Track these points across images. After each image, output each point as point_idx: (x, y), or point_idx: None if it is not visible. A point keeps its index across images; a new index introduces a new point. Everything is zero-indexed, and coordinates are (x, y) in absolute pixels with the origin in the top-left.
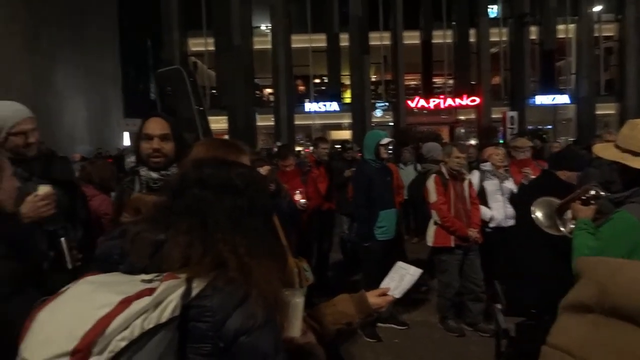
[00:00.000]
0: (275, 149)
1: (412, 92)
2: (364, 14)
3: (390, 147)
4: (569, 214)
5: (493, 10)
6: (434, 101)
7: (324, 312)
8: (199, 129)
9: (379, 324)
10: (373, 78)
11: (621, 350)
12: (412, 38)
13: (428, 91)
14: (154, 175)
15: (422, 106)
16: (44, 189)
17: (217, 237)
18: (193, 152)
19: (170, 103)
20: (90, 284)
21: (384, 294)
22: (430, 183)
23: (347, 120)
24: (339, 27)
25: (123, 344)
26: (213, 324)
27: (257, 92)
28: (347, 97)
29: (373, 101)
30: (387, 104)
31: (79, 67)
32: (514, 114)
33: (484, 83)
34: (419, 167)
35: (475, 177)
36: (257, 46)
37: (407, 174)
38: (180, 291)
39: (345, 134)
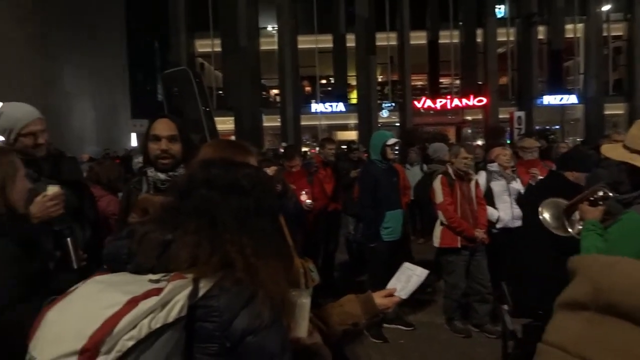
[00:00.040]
0: (281, 150)
1: (419, 93)
2: (370, 15)
3: (397, 148)
4: (576, 215)
5: (500, 10)
6: (440, 101)
7: (330, 312)
8: (205, 129)
9: (385, 325)
10: (379, 78)
11: (616, 347)
12: (418, 38)
13: (435, 91)
14: (162, 176)
15: (429, 106)
16: (52, 189)
17: (224, 237)
18: (201, 153)
19: (177, 104)
20: (99, 283)
21: (390, 295)
22: (437, 184)
23: (353, 120)
24: (346, 27)
25: (130, 343)
26: (220, 324)
27: (264, 92)
28: (354, 97)
29: (379, 102)
30: (393, 104)
31: (88, 69)
32: (522, 114)
33: (491, 83)
34: (425, 167)
35: (482, 177)
36: (263, 47)
37: (413, 174)
38: (187, 291)
39: (352, 135)
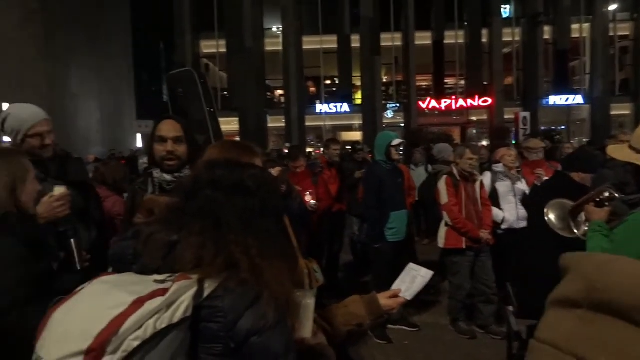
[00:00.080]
0: (285, 150)
1: (424, 93)
2: (375, 15)
3: (401, 149)
4: (582, 216)
5: (506, 10)
6: (445, 102)
7: (335, 313)
8: (210, 130)
9: (390, 326)
10: (384, 79)
11: (608, 345)
12: (423, 39)
13: (439, 92)
14: (168, 177)
15: (434, 107)
16: (59, 190)
17: (229, 238)
18: (206, 154)
19: (182, 105)
20: (104, 284)
21: (395, 296)
22: (442, 184)
23: (357, 121)
24: (350, 28)
25: (136, 343)
26: (224, 325)
27: (268, 93)
28: (358, 98)
29: (384, 102)
30: (398, 105)
31: (93, 70)
32: (527, 114)
33: (496, 83)
34: (430, 168)
35: (487, 178)
36: (268, 48)
37: (418, 175)
38: (192, 292)
39: (356, 135)
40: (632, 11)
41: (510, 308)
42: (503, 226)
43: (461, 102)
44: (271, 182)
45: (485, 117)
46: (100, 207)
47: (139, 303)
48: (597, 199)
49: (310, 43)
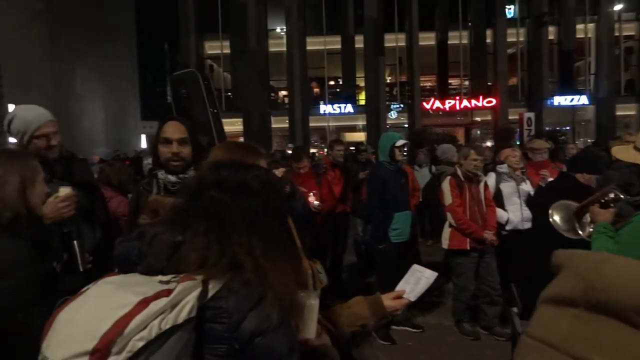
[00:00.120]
0: (289, 151)
1: (428, 94)
2: (379, 16)
3: (405, 149)
4: (587, 218)
5: (510, 11)
6: (449, 102)
7: (339, 314)
8: (213, 131)
9: (393, 327)
10: (388, 80)
11: (605, 345)
12: (427, 39)
13: (443, 92)
14: (172, 178)
15: (438, 108)
16: (64, 191)
17: (233, 239)
18: (211, 155)
19: (185, 106)
20: (110, 284)
21: (399, 297)
22: (445, 185)
23: (361, 122)
24: (354, 28)
25: (141, 344)
26: (229, 325)
27: (272, 94)
28: (362, 98)
29: (388, 103)
30: (401, 105)
31: (98, 71)
32: (531, 115)
33: (500, 84)
34: (433, 169)
35: (491, 179)
36: (272, 49)
37: (422, 176)
38: (196, 292)
39: (360, 136)
40: (637, 11)
41: (515, 309)
42: (507, 227)
43: (465, 102)
44: (275, 183)
45: (489, 117)
46: (106, 207)
47: (143, 304)
48: (602, 200)
49: (314, 44)
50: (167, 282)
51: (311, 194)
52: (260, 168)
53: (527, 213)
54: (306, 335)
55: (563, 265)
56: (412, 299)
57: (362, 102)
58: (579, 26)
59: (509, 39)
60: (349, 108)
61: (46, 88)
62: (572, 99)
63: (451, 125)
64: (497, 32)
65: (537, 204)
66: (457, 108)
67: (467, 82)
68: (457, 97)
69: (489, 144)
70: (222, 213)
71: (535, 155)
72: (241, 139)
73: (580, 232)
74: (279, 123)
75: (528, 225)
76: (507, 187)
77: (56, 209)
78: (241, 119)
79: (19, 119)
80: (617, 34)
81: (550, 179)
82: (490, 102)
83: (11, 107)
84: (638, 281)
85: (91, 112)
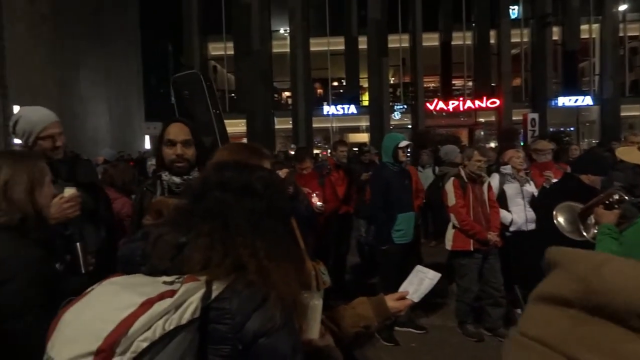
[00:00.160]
0: (291, 152)
1: (431, 95)
2: (382, 17)
3: (409, 150)
4: (592, 219)
5: (514, 11)
6: (453, 103)
7: (342, 314)
8: (216, 132)
9: (397, 328)
10: (391, 80)
11: (600, 345)
12: (431, 40)
13: (447, 93)
14: (177, 179)
15: (441, 108)
16: (69, 191)
17: (237, 240)
18: (216, 156)
19: (188, 107)
20: (114, 285)
21: (403, 298)
22: (449, 186)
23: (365, 123)
24: (358, 30)
25: (145, 344)
26: (232, 326)
27: (276, 95)
28: (365, 99)
29: (391, 104)
30: (405, 106)
31: (102, 73)
32: (535, 116)
33: (504, 85)
34: (437, 170)
35: (495, 180)
36: (276, 50)
37: (425, 176)
38: (200, 293)
39: (364, 137)
40: None
41: (519, 311)
42: (511, 228)
43: (469, 103)
44: (279, 184)
45: (493, 118)
46: (110, 208)
47: (148, 304)
48: (607, 202)
49: (317, 45)
50: (171, 283)
51: (314, 194)
52: (264, 169)
53: (531, 214)
54: (309, 336)
55: (560, 263)
56: (416, 300)
57: (366, 103)
58: (584, 27)
59: (513, 40)
60: (352, 109)
61: (51, 90)
62: (577, 100)
63: (455, 126)
64: (501, 32)
65: (541, 205)
66: (461, 109)
67: (470, 83)
68: (461, 98)
69: (492, 144)
70: (226, 214)
71: (539, 156)
72: (244, 140)
73: (584, 234)
74: (283, 124)
75: (532, 226)
76: (510, 188)
77: (61, 209)
78: (245, 120)
79: (25, 120)
80: (621, 34)
81: (554, 180)
82: (494, 102)
83: (16, 109)
84: (637, 284)
85: (95, 114)
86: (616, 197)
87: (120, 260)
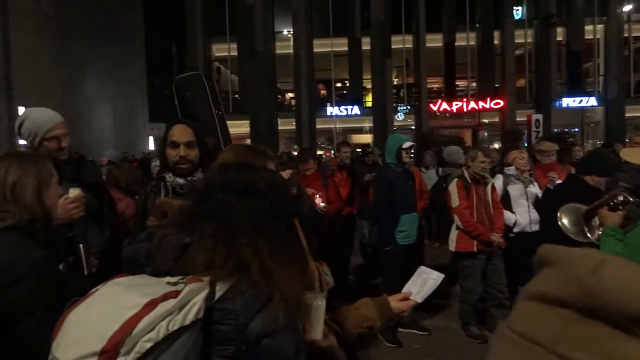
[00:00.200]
0: (294, 153)
1: (435, 95)
2: (385, 18)
3: (412, 151)
4: (596, 221)
5: (518, 12)
6: (456, 104)
7: (345, 315)
8: (218, 133)
9: (400, 329)
10: (395, 81)
11: (593, 345)
12: (434, 41)
13: (451, 94)
14: (180, 180)
15: (445, 109)
16: (74, 192)
17: (240, 240)
18: (221, 157)
19: (190, 108)
20: (118, 285)
21: (406, 299)
22: (453, 187)
23: (368, 124)
24: (361, 31)
25: (149, 345)
26: (236, 327)
27: (279, 96)
28: (369, 100)
29: (395, 105)
30: (408, 107)
31: (107, 74)
32: (539, 116)
33: (508, 86)
34: (440, 171)
35: (499, 181)
36: (279, 51)
37: (429, 177)
38: (203, 294)
39: (367, 138)
40: None
41: None
42: (515, 229)
43: (472, 104)
44: (282, 185)
45: (497, 119)
46: (114, 208)
47: (151, 305)
48: (611, 203)
49: (321, 46)
50: (175, 284)
51: (317, 195)
52: (267, 170)
53: (535, 215)
54: (313, 336)
55: (554, 262)
56: (419, 301)
57: (369, 104)
58: (588, 27)
59: (517, 40)
60: (355, 110)
61: (56, 91)
62: (581, 101)
63: (458, 127)
64: (504, 33)
65: (545, 206)
66: (465, 110)
67: (474, 84)
68: (465, 99)
69: (496, 145)
70: (229, 215)
71: (543, 157)
72: (248, 141)
73: (589, 235)
74: (286, 125)
75: (536, 227)
76: (514, 189)
77: (66, 210)
78: (248, 121)
79: (30, 121)
80: (626, 34)
81: (559, 181)
82: (497, 103)
83: (21, 110)
84: (635, 289)
85: (100, 115)
86: (621, 198)
87: (125, 261)
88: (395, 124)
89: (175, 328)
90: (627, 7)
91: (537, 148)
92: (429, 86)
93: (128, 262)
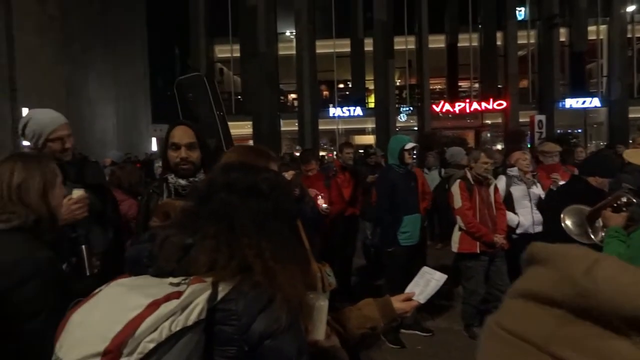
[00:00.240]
0: (296, 154)
1: (437, 96)
2: (388, 19)
3: (415, 152)
4: (600, 222)
5: (521, 13)
6: (459, 105)
7: (348, 316)
8: (220, 134)
9: (403, 331)
10: (397, 82)
11: (587, 347)
12: (437, 42)
13: (453, 95)
14: (183, 182)
15: (447, 110)
16: (77, 193)
17: (242, 241)
18: (224, 158)
19: (192, 109)
20: (121, 286)
21: (409, 299)
22: (455, 188)
23: (371, 125)
24: (364, 32)
25: (151, 345)
26: (238, 328)
27: (282, 97)
28: (371, 101)
29: (397, 106)
30: (411, 108)
31: (110, 75)
32: (542, 117)
33: (511, 86)
34: (443, 172)
35: (502, 182)
36: (282, 52)
37: (431, 178)
38: (206, 295)
39: (369, 139)
40: None
41: None
42: (518, 231)
43: (475, 105)
44: (284, 186)
45: (499, 120)
46: (117, 209)
47: (154, 305)
48: (615, 204)
49: (323, 47)
50: (178, 284)
51: (319, 196)
52: (270, 170)
53: (538, 216)
54: (315, 337)
55: (546, 261)
56: (422, 301)
57: (372, 105)
58: (591, 28)
59: (520, 41)
60: (358, 111)
61: (59, 92)
62: (584, 102)
63: (461, 128)
64: (507, 34)
65: (548, 207)
66: (467, 111)
67: (477, 85)
68: (467, 100)
69: (499, 146)
70: (232, 215)
71: (546, 159)
72: (250, 142)
73: (592, 237)
74: (289, 126)
75: (539, 229)
76: (517, 191)
77: (69, 210)
78: (251, 122)
79: (35, 122)
80: (629, 35)
81: (562, 182)
82: (500, 104)
83: (25, 111)
84: (629, 290)
85: (103, 116)
86: (624, 199)
87: (128, 262)
88: (397, 125)
89: (178, 329)
90: (631, 8)
91: (540, 149)
92: (431, 87)
93: (131, 263)
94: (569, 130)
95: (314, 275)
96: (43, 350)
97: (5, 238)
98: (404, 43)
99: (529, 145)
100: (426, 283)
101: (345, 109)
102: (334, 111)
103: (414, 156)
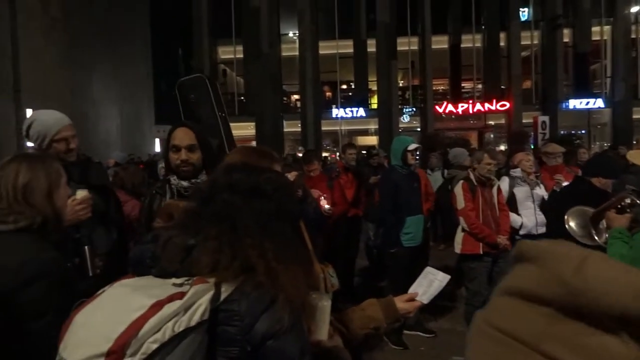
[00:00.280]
0: (299, 154)
1: (440, 97)
2: (391, 20)
3: (418, 153)
4: (604, 223)
5: (524, 13)
6: (462, 106)
7: (351, 316)
8: (222, 135)
9: (406, 332)
10: (400, 83)
11: (577, 345)
12: (440, 43)
13: (456, 96)
14: (185, 183)
15: (450, 111)
16: (81, 194)
17: (245, 242)
18: (227, 159)
19: (194, 110)
20: (125, 287)
21: (412, 300)
22: (458, 189)
23: (374, 126)
24: (367, 33)
25: (155, 346)
26: (241, 328)
27: (285, 98)
28: (374, 102)
29: (400, 107)
30: (414, 109)
31: (114, 77)
32: (546, 118)
33: (514, 87)
34: (446, 173)
35: (505, 183)
36: (285, 53)
37: (434, 179)
38: (209, 295)
39: (372, 140)
40: None
41: None
42: (521, 232)
43: (478, 106)
44: (287, 186)
45: (503, 121)
46: (121, 210)
47: (157, 306)
48: (619, 206)
49: (326, 48)
50: (181, 285)
51: (322, 197)
52: (273, 171)
53: (541, 218)
54: (318, 337)
55: (535, 258)
56: (425, 302)
57: (375, 106)
58: (595, 28)
59: (523, 42)
60: (361, 112)
61: (63, 93)
62: (588, 102)
63: (464, 129)
64: (510, 35)
65: (551, 208)
66: (470, 112)
67: (480, 86)
68: (470, 101)
69: (502, 147)
70: (234, 216)
71: (549, 160)
72: (253, 143)
73: (596, 238)
74: (292, 127)
75: (542, 230)
76: (520, 192)
77: (73, 211)
78: (254, 123)
79: (39, 123)
80: (633, 36)
81: (565, 183)
82: (503, 105)
83: (29, 113)
84: (618, 289)
85: (107, 117)
86: (628, 201)
87: (131, 262)
88: (400, 125)
89: (181, 329)
90: (635, 8)
91: (543, 150)
92: (434, 88)
93: (134, 264)
94: (573, 131)
95: (316, 276)
96: (50, 350)
97: (13, 239)
98: (406, 44)
99: (532, 146)
100: (429, 284)
101: (348, 110)
102: (337, 112)
103: (417, 157)
